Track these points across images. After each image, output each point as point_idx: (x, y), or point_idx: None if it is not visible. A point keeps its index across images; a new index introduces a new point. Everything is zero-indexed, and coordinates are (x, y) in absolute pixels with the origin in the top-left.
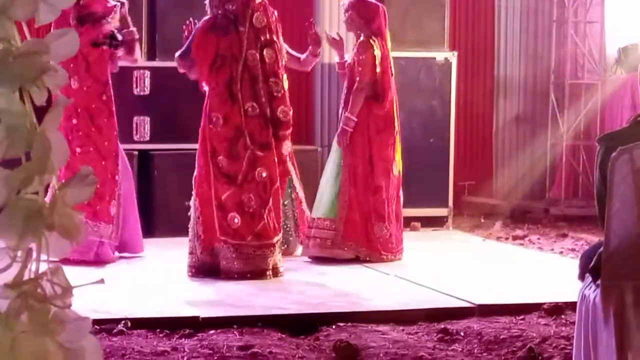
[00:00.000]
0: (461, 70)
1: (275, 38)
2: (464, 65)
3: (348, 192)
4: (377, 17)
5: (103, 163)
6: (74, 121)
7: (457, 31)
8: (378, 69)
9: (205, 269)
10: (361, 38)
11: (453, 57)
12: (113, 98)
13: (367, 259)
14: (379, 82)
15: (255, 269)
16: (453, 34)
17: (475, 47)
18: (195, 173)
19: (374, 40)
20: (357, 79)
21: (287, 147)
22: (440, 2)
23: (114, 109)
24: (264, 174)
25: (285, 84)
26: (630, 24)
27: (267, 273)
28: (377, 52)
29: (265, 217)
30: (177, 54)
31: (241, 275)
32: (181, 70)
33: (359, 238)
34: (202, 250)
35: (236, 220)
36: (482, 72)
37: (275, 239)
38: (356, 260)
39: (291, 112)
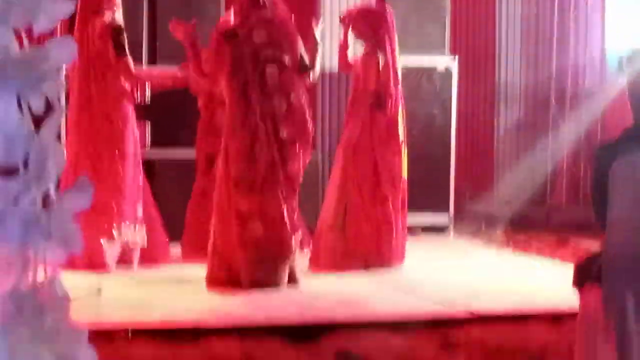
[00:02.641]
0: (462, 77)
1: (280, 54)
2: (464, 72)
3: (354, 203)
4: (383, 23)
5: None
6: None
7: (458, 37)
8: (381, 79)
9: (221, 284)
10: (367, 49)
11: (454, 64)
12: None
13: (379, 268)
14: (381, 92)
15: (278, 278)
16: (454, 40)
17: (476, 54)
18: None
19: (379, 52)
20: (360, 88)
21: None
22: (442, 8)
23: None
24: (283, 177)
25: (293, 99)
26: (631, 31)
27: (296, 277)
28: (381, 62)
29: (286, 220)
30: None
31: (264, 285)
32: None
33: (369, 248)
34: (219, 266)
35: (258, 229)
36: (483, 79)
37: (292, 243)
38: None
39: (296, 128)
